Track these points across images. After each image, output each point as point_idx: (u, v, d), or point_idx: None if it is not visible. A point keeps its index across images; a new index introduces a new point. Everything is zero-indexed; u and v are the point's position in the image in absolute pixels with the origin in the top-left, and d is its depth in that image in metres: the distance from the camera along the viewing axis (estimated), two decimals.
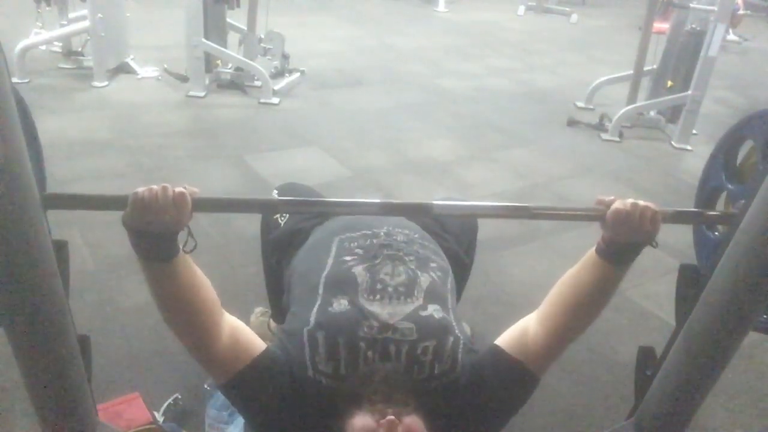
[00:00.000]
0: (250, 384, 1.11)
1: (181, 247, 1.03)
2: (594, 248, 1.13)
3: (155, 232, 0.98)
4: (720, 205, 1.30)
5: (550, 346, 1.14)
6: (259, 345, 1.13)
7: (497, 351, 1.17)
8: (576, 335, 1.16)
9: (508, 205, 1.17)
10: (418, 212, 1.12)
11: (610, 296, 1.13)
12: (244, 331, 1.14)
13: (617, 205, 1.07)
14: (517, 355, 1.14)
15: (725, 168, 1.27)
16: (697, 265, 1.23)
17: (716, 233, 1.28)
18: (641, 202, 1.07)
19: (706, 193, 1.32)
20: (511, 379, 1.14)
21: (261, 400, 1.11)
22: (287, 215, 1.61)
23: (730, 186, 1.23)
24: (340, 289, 1.21)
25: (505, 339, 1.18)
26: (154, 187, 0.96)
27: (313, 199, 1.15)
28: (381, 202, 1.12)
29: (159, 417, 1.62)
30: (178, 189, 0.98)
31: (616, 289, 1.12)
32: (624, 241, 1.08)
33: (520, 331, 1.18)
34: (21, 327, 1.02)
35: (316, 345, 1.12)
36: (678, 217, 1.15)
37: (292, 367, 1.12)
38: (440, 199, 1.91)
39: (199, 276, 1.09)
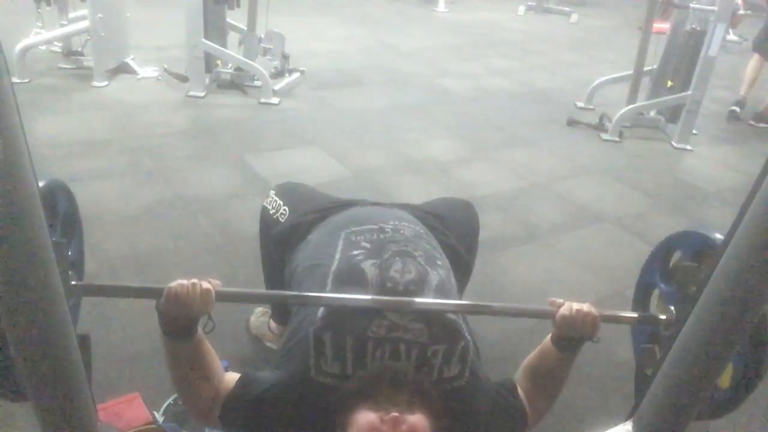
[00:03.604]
0: (236, 407, 1.17)
1: (201, 327, 1.19)
2: (549, 336, 1.30)
3: (182, 317, 1.14)
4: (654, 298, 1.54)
5: (534, 412, 1.28)
6: (231, 381, 1.21)
7: (514, 387, 1.28)
8: (550, 404, 1.32)
9: (474, 304, 1.40)
10: (401, 307, 1.21)
11: (566, 375, 1.31)
12: (229, 378, 1.23)
13: (563, 311, 1.24)
14: (524, 401, 1.27)
15: (660, 269, 1.50)
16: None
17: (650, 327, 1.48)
18: (585, 308, 1.24)
19: (643, 289, 1.58)
20: (517, 416, 1.25)
21: (254, 416, 1.16)
22: (287, 212, 1.61)
23: (662, 285, 1.47)
24: (349, 286, 1.21)
25: (520, 382, 1.31)
26: (185, 282, 1.13)
27: (317, 296, 1.26)
28: (371, 298, 1.20)
29: (159, 417, 1.62)
30: (205, 286, 1.15)
31: (568, 370, 1.30)
32: (570, 336, 1.26)
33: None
34: (21, 327, 1.02)
35: (322, 347, 1.13)
36: (615, 319, 1.39)
37: (290, 371, 1.14)
38: (438, 198, 1.93)
39: (209, 352, 1.21)
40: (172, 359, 1.18)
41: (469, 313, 1.36)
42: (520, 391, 1.28)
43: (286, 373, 1.15)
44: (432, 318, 1.18)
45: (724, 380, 1.28)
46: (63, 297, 1.06)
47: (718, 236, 1.27)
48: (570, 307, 1.24)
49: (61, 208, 1.37)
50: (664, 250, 1.51)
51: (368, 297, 1.20)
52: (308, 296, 1.28)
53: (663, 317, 1.37)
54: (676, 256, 1.48)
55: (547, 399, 1.31)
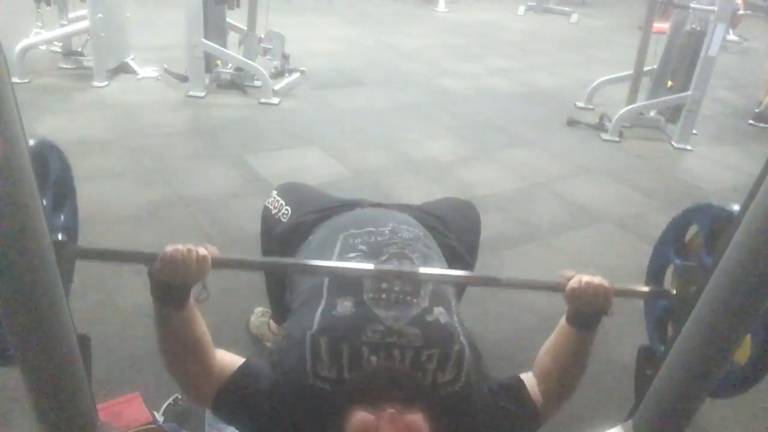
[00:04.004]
0: (230, 399, 1.14)
1: (194, 296, 1.14)
2: (564, 316, 1.26)
3: (175, 284, 1.10)
4: (668, 274, 1.48)
5: (551, 401, 1.23)
6: (236, 362, 1.18)
7: (521, 385, 1.23)
8: (569, 393, 1.25)
9: (480, 276, 1.40)
10: (405, 278, 1.24)
11: (585, 358, 1.25)
12: (227, 358, 1.19)
13: (573, 284, 1.20)
14: (535, 398, 1.21)
15: (674, 244, 1.46)
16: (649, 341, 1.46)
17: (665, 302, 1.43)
18: (596, 280, 1.20)
19: (656, 265, 1.52)
20: (524, 416, 1.20)
21: (246, 412, 1.14)
22: (289, 212, 1.61)
23: (676, 261, 1.42)
24: (344, 290, 1.21)
25: (527, 377, 1.25)
26: (181, 247, 1.09)
27: (316, 264, 1.26)
28: (374, 268, 1.21)
29: (159, 417, 1.62)
30: (202, 252, 1.11)
31: (589, 350, 1.24)
32: (583, 311, 1.21)
33: (531, 378, 1.25)
34: (21, 327, 1.02)
35: (318, 351, 1.12)
36: (628, 293, 1.34)
37: (286, 372, 1.12)
38: (440, 198, 1.93)
39: (201, 323, 1.17)
40: (162, 328, 1.14)
41: (477, 284, 1.30)
42: (528, 386, 1.23)
43: (284, 375, 1.13)
44: (427, 323, 1.17)
45: (742, 356, 1.22)
46: (63, 297, 1.06)
47: (736, 208, 1.20)
48: (580, 279, 1.20)
49: (53, 171, 1.29)
50: (680, 224, 1.45)
51: (371, 266, 1.20)
52: (308, 264, 1.26)
53: (674, 292, 1.31)
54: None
55: (565, 386, 1.25)
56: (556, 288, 1.23)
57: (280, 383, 1.12)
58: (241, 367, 1.17)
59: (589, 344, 1.24)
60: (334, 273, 1.25)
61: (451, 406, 1.12)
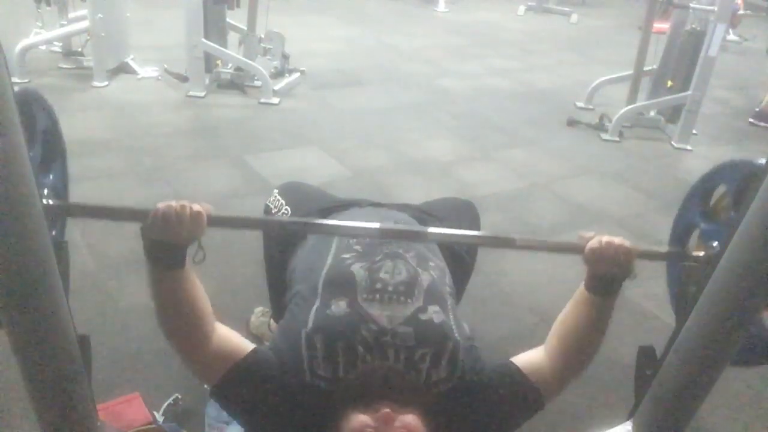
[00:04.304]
0: (237, 384, 1.11)
1: (191, 258, 1.10)
2: (583, 283, 1.20)
3: (170, 243, 1.06)
4: (693, 240, 1.40)
5: (560, 378, 1.19)
6: (246, 347, 1.15)
7: (514, 370, 1.19)
8: (582, 367, 1.20)
9: (494, 236, 1.26)
10: (412, 238, 1.21)
11: (604, 328, 1.19)
12: (234, 337, 1.17)
13: (593, 243, 1.14)
14: (532, 378, 1.17)
15: (700, 207, 1.38)
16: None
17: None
18: (617, 240, 1.14)
19: (681, 229, 1.43)
20: (522, 400, 1.17)
21: (250, 400, 1.11)
22: (289, 212, 1.61)
23: (703, 224, 1.33)
24: (338, 290, 1.21)
25: (521, 360, 1.21)
26: (174, 203, 1.06)
27: (318, 222, 1.24)
28: (379, 227, 1.19)
29: (159, 417, 1.62)
30: (196, 208, 1.07)
31: (608, 320, 1.19)
32: (603, 274, 1.15)
33: (534, 357, 1.21)
34: (21, 327, 1.02)
35: (314, 348, 1.12)
36: (650, 255, 1.25)
37: (286, 369, 1.11)
38: (439, 198, 1.93)
39: (199, 286, 1.14)
40: (158, 292, 1.10)
41: (489, 245, 1.23)
42: (528, 366, 1.18)
43: (285, 372, 1.12)
44: (420, 321, 1.17)
45: None
46: (63, 297, 1.06)
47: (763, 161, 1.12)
48: (600, 239, 1.13)
49: (40, 124, 1.21)
50: (705, 185, 1.36)
51: (377, 225, 1.18)
52: (312, 223, 1.23)
53: (701, 254, 1.23)
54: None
55: (579, 360, 1.19)
56: (575, 249, 1.16)
57: (284, 379, 1.11)
58: (251, 356, 1.13)
59: (608, 313, 1.18)
60: (336, 231, 1.20)
61: (448, 403, 1.12)
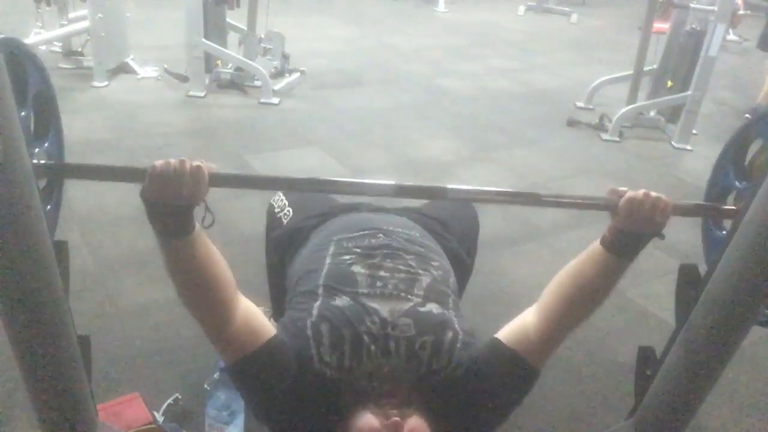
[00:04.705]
0: (257, 368, 1.09)
1: (199, 223, 1.04)
2: (598, 240, 1.14)
3: (172, 205, 0.99)
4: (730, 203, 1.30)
5: (549, 338, 1.15)
6: (269, 330, 1.12)
7: (496, 344, 1.16)
8: (575, 325, 1.16)
9: (519, 192, 1.20)
10: (431, 196, 1.15)
11: (611, 289, 1.13)
12: (257, 315, 1.14)
13: (631, 193, 1.08)
14: (516, 347, 1.14)
15: (734, 166, 1.28)
16: (699, 265, 1.23)
17: (724, 232, 1.28)
18: (653, 193, 1.08)
19: (716, 191, 1.33)
20: (511, 372, 1.14)
21: (267, 384, 1.10)
22: (291, 213, 1.62)
23: (738, 184, 1.24)
24: (339, 288, 1.21)
25: (504, 332, 1.19)
26: (172, 160, 0.98)
27: (325, 178, 1.19)
28: (395, 184, 1.13)
29: (159, 417, 1.62)
30: (195, 163, 1.00)
31: (617, 282, 1.13)
32: (633, 231, 1.09)
33: (519, 325, 1.19)
34: (21, 327, 1.02)
35: (320, 336, 1.12)
36: (687, 210, 1.18)
37: (299, 357, 1.11)
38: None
39: (215, 253, 1.07)
40: (170, 264, 1.03)
41: (515, 202, 1.20)
42: (511, 337, 1.16)
43: (296, 359, 1.11)
44: (419, 313, 1.18)
45: None
46: (63, 297, 1.06)
47: None
48: (636, 191, 1.07)
49: (32, 85, 1.15)
50: (740, 141, 1.28)
51: (391, 183, 1.14)
52: (322, 180, 1.16)
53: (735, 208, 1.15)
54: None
55: (573, 321, 1.14)
56: (605, 205, 1.10)
57: (296, 367, 1.11)
58: (272, 341, 1.10)
59: (620, 275, 1.12)
60: (348, 189, 1.15)
61: (449, 390, 1.13)
